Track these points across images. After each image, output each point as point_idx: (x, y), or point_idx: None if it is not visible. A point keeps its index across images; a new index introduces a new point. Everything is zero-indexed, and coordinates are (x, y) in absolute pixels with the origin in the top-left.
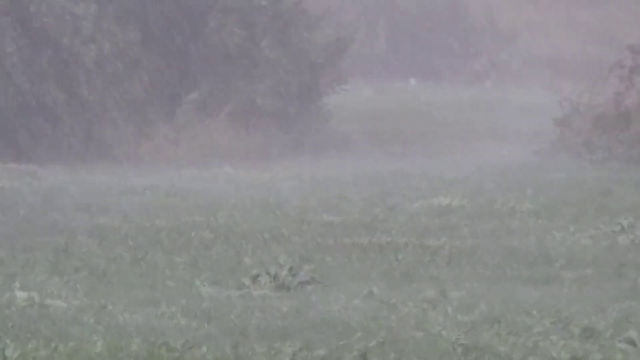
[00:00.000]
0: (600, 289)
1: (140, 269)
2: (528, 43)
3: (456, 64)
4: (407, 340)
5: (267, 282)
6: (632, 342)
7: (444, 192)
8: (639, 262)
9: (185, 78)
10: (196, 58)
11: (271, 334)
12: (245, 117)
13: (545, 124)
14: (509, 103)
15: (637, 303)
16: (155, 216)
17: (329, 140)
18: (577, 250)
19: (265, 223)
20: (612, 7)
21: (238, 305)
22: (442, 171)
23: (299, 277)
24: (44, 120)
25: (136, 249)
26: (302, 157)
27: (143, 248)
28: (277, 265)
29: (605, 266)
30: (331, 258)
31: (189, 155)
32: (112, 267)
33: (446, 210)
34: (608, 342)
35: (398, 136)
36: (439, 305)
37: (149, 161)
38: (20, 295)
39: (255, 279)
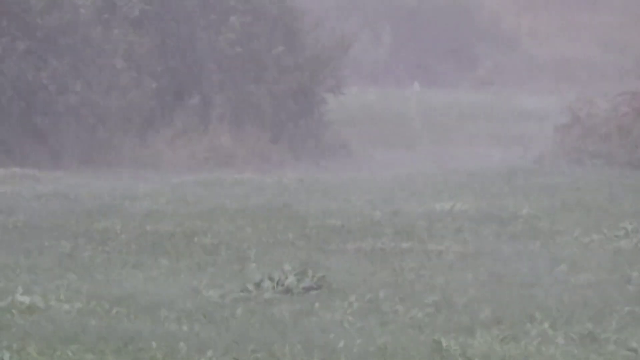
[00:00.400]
0: (604, 294)
1: (143, 274)
2: (531, 48)
3: (460, 69)
4: (408, 344)
5: (270, 288)
6: (633, 350)
7: (447, 196)
8: None
9: (186, 83)
10: (197, 63)
11: (273, 339)
12: (247, 122)
13: (548, 128)
14: (512, 108)
15: None
16: (157, 221)
17: (331, 145)
18: (580, 255)
19: (268, 228)
20: (615, 12)
21: (241, 310)
22: (445, 175)
23: (302, 283)
24: (46, 125)
25: (138, 254)
26: (304, 161)
27: (145, 253)
28: (280, 271)
29: (608, 271)
30: (335, 263)
31: (190, 159)
32: (114, 272)
33: (449, 214)
34: (610, 348)
35: (401, 140)
36: (442, 309)
37: (151, 166)
38: (22, 299)
39: (258, 284)
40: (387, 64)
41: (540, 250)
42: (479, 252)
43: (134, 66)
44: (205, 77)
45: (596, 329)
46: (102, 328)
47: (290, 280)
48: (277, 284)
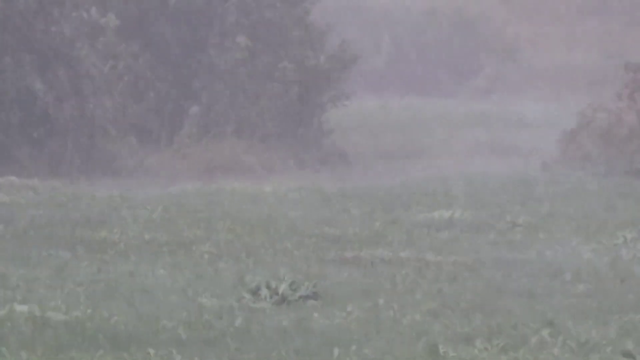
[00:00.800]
0: (602, 302)
1: (141, 282)
2: (531, 57)
3: (459, 78)
4: (407, 351)
5: (267, 296)
6: (631, 356)
7: (446, 205)
8: None
9: (189, 93)
10: (199, 73)
11: (270, 347)
12: (248, 132)
13: (548, 137)
14: (512, 117)
15: (638, 316)
16: (156, 230)
17: (331, 154)
18: (579, 263)
19: (266, 237)
20: (615, 20)
21: (238, 318)
22: (444, 184)
23: (299, 291)
24: (46, 135)
25: (137, 263)
26: (304, 171)
27: (144, 262)
28: (277, 279)
29: (607, 279)
30: (332, 272)
31: (191, 169)
32: (113, 281)
33: (448, 223)
34: (607, 356)
35: (400, 150)
36: (440, 317)
37: (151, 175)
38: (20, 308)
39: (255, 292)
40: (386, 74)
41: (539, 259)
42: (478, 261)
43: (132, 76)
44: (207, 87)
45: (594, 337)
46: (100, 336)
47: (288, 289)
48: (275, 293)
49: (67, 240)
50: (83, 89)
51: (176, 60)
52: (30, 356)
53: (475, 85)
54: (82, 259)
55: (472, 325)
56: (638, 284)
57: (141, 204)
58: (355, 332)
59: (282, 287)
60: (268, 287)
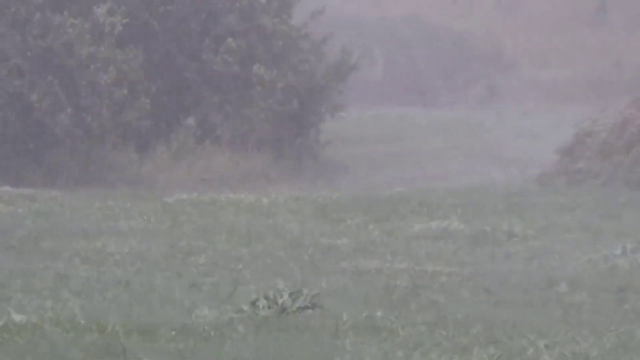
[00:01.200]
0: (599, 313)
1: (138, 292)
2: (527, 68)
3: (456, 89)
4: None
5: (265, 307)
6: None
7: (442, 215)
8: (638, 287)
9: (184, 102)
10: (194, 82)
11: (269, 357)
12: (243, 142)
13: (545, 148)
14: (509, 127)
15: (636, 328)
16: (152, 240)
17: (327, 165)
18: (577, 274)
19: (263, 247)
20: (613, 31)
21: (236, 330)
22: (440, 195)
23: (297, 302)
24: (43, 144)
25: (134, 274)
26: (299, 181)
27: (141, 273)
28: (275, 290)
29: (604, 290)
30: (329, 283)
31: (186, 179)
32: (110, 291)
33: (444, 233)
34: None
35: (396, 160)
36: (437, 328)
37: (147, 185)
38: (17, 318)
39: (253, 303)
40: (380, 84)
41: (537, 270)
42: (475, 272)
43: (127, 85)
44: (202, 97)
45: (590, 349)
46: (96, 346)
47: (285, 299)
48: (274, 303)
49: (64, 250)
50: (80, 98)
51: (173, 69)
52: None
53: (472, 96)
54: (78, 269)
55: (469, 336)
56: (636, 295)
57: (137, 215)
58: (351, 342)
59: (280, 298)
60: (265, 297)
